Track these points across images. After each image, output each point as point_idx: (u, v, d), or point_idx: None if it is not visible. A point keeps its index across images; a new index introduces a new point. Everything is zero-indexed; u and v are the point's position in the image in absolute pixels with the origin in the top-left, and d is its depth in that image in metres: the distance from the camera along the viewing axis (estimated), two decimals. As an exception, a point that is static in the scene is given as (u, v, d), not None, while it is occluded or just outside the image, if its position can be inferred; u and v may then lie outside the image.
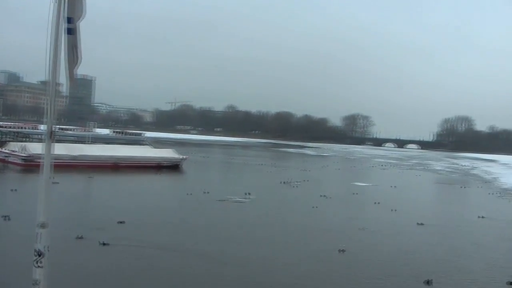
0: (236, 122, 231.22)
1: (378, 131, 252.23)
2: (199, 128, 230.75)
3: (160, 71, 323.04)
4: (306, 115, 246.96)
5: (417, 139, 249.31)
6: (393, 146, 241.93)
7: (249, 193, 25.22)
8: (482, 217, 22.56)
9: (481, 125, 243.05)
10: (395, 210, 22.96)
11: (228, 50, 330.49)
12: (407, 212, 23.05)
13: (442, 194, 36.52)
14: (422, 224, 19.38)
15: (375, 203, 25.23)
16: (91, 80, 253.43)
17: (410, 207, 25.19)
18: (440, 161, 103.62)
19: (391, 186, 35.98)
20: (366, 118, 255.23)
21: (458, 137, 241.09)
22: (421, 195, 33.05)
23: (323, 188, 32.04)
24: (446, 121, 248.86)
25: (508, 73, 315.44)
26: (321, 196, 26.56)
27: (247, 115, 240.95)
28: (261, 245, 14.30)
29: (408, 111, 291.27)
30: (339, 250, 13.89)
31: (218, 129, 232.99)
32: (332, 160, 77.52)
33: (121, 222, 15.74)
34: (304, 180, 35.95)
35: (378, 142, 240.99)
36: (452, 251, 15.16)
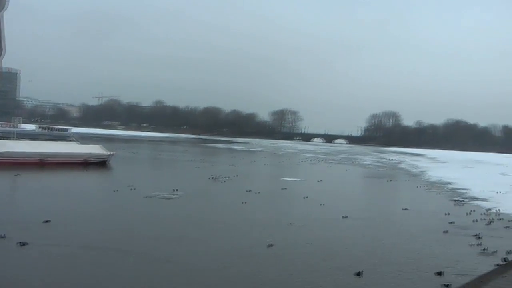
0: (164, 117, 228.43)
1: (306, 126, 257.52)
2: (128, 124, 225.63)
3: (87, 65, 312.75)
4: (234, 110, 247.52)
5: (346, 134, 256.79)
6: (321, 141, 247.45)
7: (176, 189, 25.11)
8: (406, 209, 23.73)
9: (408, 121, 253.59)
10: (323, 204, 23.60)
11: (153, 47, 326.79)
12: (334, 206, 23.76)
13: (370, 188, 37.99)
14: (346, 217, 20.09)
15: (304, 197, 25.81)
16: (16, 73, 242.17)
17: (337, 201, 26.00)
18: (368, 155, 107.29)
19: (320, 181, 36.88)
20: (294, 113, 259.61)
21: (385, 132, 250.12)
22: (349, 189, 34.22)
23: (252, 183, 32.28)
24: (374, 116, 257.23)
25: (434, 70, 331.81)
26: (250, 191, 26.78)
27: (175, 110, 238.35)
28: (188, 243, 14.34)
29: (336, 107, 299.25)
30: (268, 245, 14.17)
31: (145, 125, 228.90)
32: (260, 155, 78.28)
33: (46, 221, 15.51)
34: (233, 176, 36.14)
35: (307, 137, 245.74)
36: (377, 242, 15.86)
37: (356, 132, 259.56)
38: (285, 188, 29.81)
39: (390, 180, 42.36)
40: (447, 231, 18.45)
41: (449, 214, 22.70)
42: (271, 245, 14.19)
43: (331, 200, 25.72)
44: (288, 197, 26.49)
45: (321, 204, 23.55)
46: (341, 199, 27.60)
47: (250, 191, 26.99)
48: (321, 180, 37.18)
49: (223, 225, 17.43)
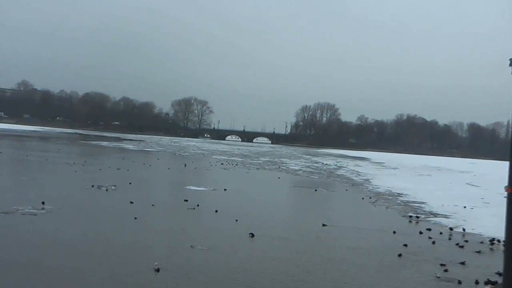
0: (32, 104, 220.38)
1: (218, 121, 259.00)
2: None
3: None
4: (125, 98, 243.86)
5: (269, 131, 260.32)
6: (238, 139, 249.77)
7: (45, 202, 23.90)
8: (324, 225, 24.16)
9: (348, 116, 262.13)
10: (237, 220, 23.54)
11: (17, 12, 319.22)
12: (249, 221, 23.64)
13: (296, 200, 38.17)
14: (253, 235, 20.20)
15: (216, 211, 25.69)
16: None
17: (253, 216, 25.88)
18: (297, 158, 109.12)
19: (236, 190, 36.91)
20: (203, 103, 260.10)
21: (319, 130, 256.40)
22: (270, 201, 34.07)
23: (147, 193, 31.78)
24: (305, 109, 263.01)
25: (383, 56, 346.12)
26: (144, 203, 26.41)
27: (46, 96, 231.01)
28: (56, 273, 13.51)
29: (257, 98, 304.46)
30: (155, 270, 14.12)
31: (2, 114, 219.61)
32: (159, 157, 77.41)
33: None
34: (123, 183, 35.23)
35: (219, 135, 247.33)
36: (296, 269, 15.72)
37: (283, 129, 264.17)
38: (188, 200, 29.30)
39: (326, 190, 42.96)
40: (400, 255, 18.65)
41: (400, 233, 23.10)
42: (157, 270, 14.15)
43: (246, 215, 25.57)
44: (193, 211, 26.00)
45: (234, 220, 23.53)
46: (258, 213, 27.42)
47: (144, 203, 26.50)
48: (237, 190, 37.14)
49: (102, 248, 16.66)
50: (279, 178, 53.28)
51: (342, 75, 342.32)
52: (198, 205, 27.35)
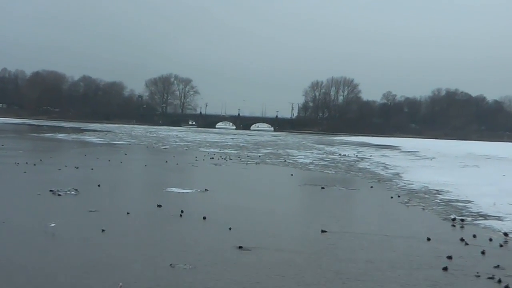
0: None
1: (206, 105, 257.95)
2: None
3: None
4: (86, 78, 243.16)
5: (270, 116, 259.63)
6: (231, 127, 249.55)
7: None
8: (338, 232, 24.30)
9: (371, 95, 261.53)
10: (230, 228, 23.63)
11: None
12: (245, 231, 23.73)
13: (306, 202, 37.98)
14: (241, 247, 20.32)
15: (204, 218, 25.80)
16: None
17: (250, 224, 25.87)
18: (307, 149, 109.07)
19: (230, 192, 37.32)
20: (186, 82, 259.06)
21: (335, 112, 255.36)
22: (271, 204, 33.94)
23: (118, 198, 31.87)
24: (315, 86, 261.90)
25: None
26: (114, 211, 26.55)
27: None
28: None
29: (254, 78, 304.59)
30: None
31: None
32: (132, 151, 77.39)
33: None
34: (87, 187, 35.35)
35: (208, 122, 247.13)
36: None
37: (288, 112, 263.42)
38: (160, 206, 29.13)
39: (344, 188, 42.91)
40: (446, 269, 18.52)
41: (440, 241, 23.04)
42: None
43: (241, 222, 25.67)
44: (176, 219, 25.94)
45: (227, 229, 23.61)
46: (257, 220, 27.34)
47: (114, 211, 26.53)
48: (230, 191, 37.47)
49: (57, 268, 16.61)
50: (289, 174, 53.24)
51: (359, 49, 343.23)
52: (182, 212, 27.33)
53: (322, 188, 41.93)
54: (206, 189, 37.17)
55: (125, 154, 70.70)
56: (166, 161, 60.81)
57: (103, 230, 22.08)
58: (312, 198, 39.29)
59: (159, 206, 29.09)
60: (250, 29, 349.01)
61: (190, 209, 28.57)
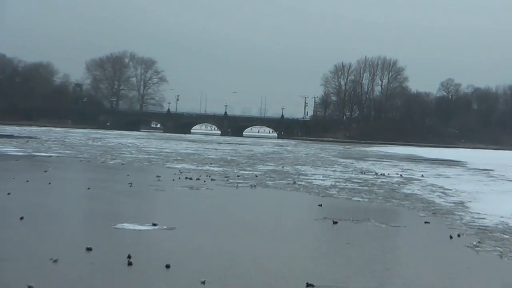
0: None
1: (177, 98, 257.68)
2: None
3: None
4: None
5: (272, 115, 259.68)
6: (214, 131, 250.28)
7: None
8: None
9: (421, 85, 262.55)
10: (203, 282, 23.85)
11: None
12: (224, 286, 24.03)
13: (323, 246, 37.61)
14: None
15: (167, 266, 26.03)
16: None
17: (233, 276, 26.05)
18: (328, 164, 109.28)
19: (209, 229, 37.59)
20: (148, 64, 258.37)
21: (369, 109, 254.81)
22: (267, 249, 33.90)
23: (45, 237, 32.24)
24: (340, 70, 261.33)
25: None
26: (36, 257, 26.69)
27: None
28: None
29: (251, 56, 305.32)
30: None
31: None
32: (66, 167, 78.05)
33: None
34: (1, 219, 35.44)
35: (180, 123, 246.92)
36: None
37: (299, 110, 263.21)
38: (113, 249, 29.19)
39: (383, 224, 42.79)
40: None
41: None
42: None
43: (219, 273, 25.94)
44: (125, 269, 25.92)
45: (202, 282, 23.82)
46: (248, 273, 27.38)
47: (36, 258, 26.63)
48: (208, 227, 37.87)
49: None
50: (298, 203, 53.47)
51: (401, 18, 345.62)
52: (129, 257, 27.31)
53: (354, 221, 42.03)
54: (173, 226, 37.28)
55: (74, 172, 70.67)
56: (119, 183, 60.87)
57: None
58: (334, 240, 39.23)
59: (91, 249, 29.20)
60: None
61: (148, 254, 28.57)
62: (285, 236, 38.94)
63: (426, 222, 44.03)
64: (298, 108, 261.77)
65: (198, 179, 68.93)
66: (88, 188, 56.08)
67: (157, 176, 68.62)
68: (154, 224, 37.29)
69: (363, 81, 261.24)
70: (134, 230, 35.40)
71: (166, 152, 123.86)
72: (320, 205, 51.32)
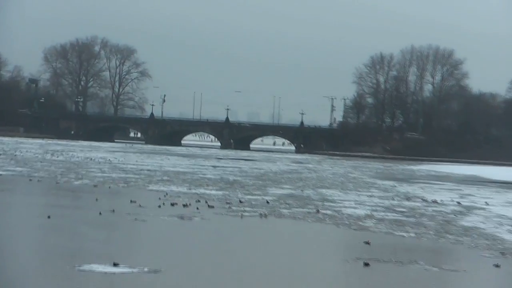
0: None
1: (163, 99, 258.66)
2: None
3: None
4: None
5: (287, 122, 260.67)
6: (214, 142, 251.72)
7: None
8: None
9: (483, 84, 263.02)
10: None
11: None
12: None
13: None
14: None
15: None
16: None
17: None
18: (363, 188, 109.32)
19: (203, 273, 37.48)
20: (125, 53, 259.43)
21: (415, 115, 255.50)
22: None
23: None
24: (379, 63, 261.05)
25: None
26: None
27: None
28: None
29: (259, 47, 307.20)
30: None
31: None
32: (18, 189, 78.47)
33: None
34: None
35: (168, 132, 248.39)
36: None
37: (324, 117, 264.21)
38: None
39: (435, 268, 42.52)
40: None
41: None
42: None
43: None
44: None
45: None
46: None
47: None
48: (203, 272, 37.84)
49: None
50: (321, 238, 53.40)
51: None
52: None
53: (396, 263, 41.98)
54: (157, 269, 37.26)
55: (0, 194, 70.73)
56: (84, 214, 60.97)
57: None
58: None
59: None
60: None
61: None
62: (311, 284, 38.93)
63: (496, 266, 43.46)
64: (323, 114, 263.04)
65: (188, 205, 69.13)
66: (48, 217, 56.10)
67: (134, 202, 68.53)
68: (131, 266, 37.36)
69: (408, 78, 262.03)
70: (105, 273, 35.20)
71: (148, 170, 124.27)
72: (368, 243, 51.09)
